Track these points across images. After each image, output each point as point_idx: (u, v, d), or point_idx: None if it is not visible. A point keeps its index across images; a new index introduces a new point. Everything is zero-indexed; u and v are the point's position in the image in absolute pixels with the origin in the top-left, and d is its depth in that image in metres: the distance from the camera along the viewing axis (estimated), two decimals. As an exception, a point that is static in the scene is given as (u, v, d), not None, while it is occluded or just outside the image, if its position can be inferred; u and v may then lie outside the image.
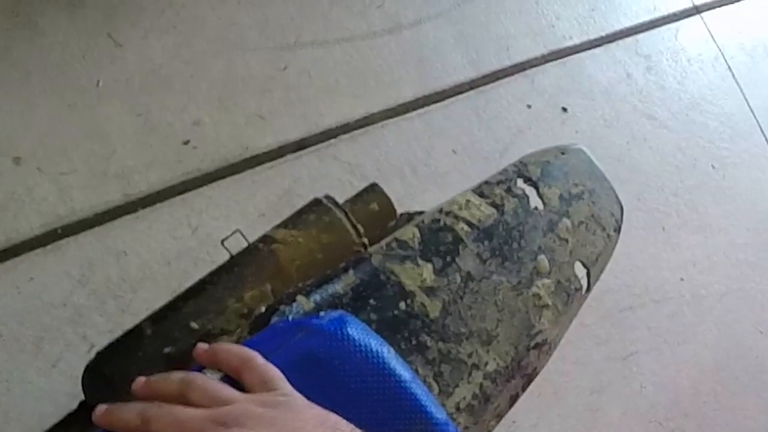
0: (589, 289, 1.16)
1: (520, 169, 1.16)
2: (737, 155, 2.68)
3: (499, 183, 1.13)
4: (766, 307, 2.49)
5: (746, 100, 2.81)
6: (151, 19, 2.17)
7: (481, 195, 1.10)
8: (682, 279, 2.41)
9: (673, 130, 2.62)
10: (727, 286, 2.46)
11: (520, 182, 1.15)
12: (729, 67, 2.86)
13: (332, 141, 2.17)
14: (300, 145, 2.14)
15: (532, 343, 1.04)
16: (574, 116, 2.49)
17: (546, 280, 1.07)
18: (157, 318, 0.95)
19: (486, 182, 1.13)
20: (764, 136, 2.76)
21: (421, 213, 1.18)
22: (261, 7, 2.28)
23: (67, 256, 1.88)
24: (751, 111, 2.79)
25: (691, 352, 2.33)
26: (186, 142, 2.05)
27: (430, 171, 2.23)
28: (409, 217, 1.21)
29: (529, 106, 2.45)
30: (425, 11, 2.45)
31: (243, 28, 2.23)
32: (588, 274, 1.15)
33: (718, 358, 2.36)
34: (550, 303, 1.06)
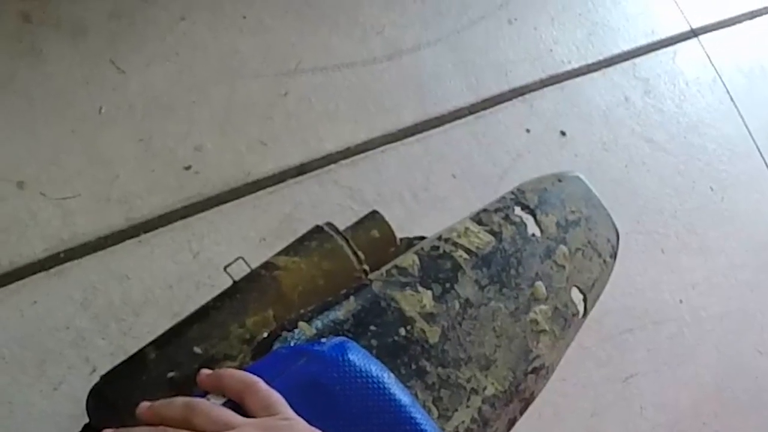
0: (585, 314, 1.17)
1: (518, 197, 1.18)
2: (736, 177, 2.70)
3: (497, 210, 1.14)
4: (766, 328, 2.50)
5: (744, 122, 2.82)
6: (153, 46, 2.19)
7: (480, 222, 1.12)
8: (681, 301, 2.42)
9: (672, 152, 2.63)
10: (726, 307, 2.47)
11: (517, 210, 1.16)
12: (727, 90, 2.87)
13: (333, 166, 2.19)
14: (301, 170, 2.15)
15: (530, 368, 1.05)
16: (573, 140, 2.51)
17: (543, 306, 1.09)
18: (161, 343, 0.96)
19: (484, 210, 1.14)
20: (762, 157, 2.78)
21: (421, 238, 1.19)
22: (262, 35, 2.30)
23: (70, 280, 1.89)
24: (750, 133, 2.80)
25: (691, 373, 2.34)
26: (188, 168, 2.07)
27: (429, 195, 2.24)
28: (410, 242, 1.22)
29: (528, 131, 2.46)
30: (424, 37, 2.47)
31: (244, 55, 2.25)
32: (585, 300, 1.17)
33: (718, 380, 2.36)
34: (547, 328, 1.08)
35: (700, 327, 2.41)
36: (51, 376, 1.79)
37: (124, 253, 1.95)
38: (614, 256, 1.25)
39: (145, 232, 1.98)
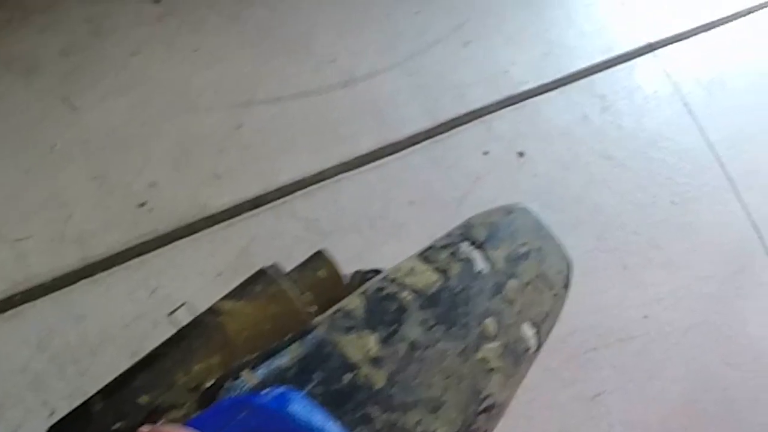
0: (538, 348, 1.16)
1: (466, 232, 1.17)
2: (697, 189, 2.70)
3: (444, 247, 1.13)
4: (733, 340, 2.49)
5: (704, 134, 2.83)
6: (107, 82, 2.18)
7: (426, 260, 1.10)
8: (646, 316, 2.41)
9: (632, 168, 2.63)
10: (692, 320, 2.46)
11: (465, 245, 1.15)
12: (685, 103, 2.88)
13: (288, 198, 2.18)
14: (256, 203, 2.14)
15: (481, 408, 1.03)
16: (532, 160, 2.51)
17: (493, 344, 1.07)
18: (107, 392, 0.95)
19: (431, 247, 1.13)
20: (723, 169, 2.78)
21: (376, 272, 1.18)
22: (216, 67, 2.29)
23: (25, 322, 1.88)
24: (709, 145, 2.81)
25: (659, 388, 2.33)
26: (142, 204, 2.05)
27: (388, 223, 2.23)
28: (363, 276, 1.21)
29: (486, 153, 2.46)
30: (379, 64, 2.47)
31: (198, 88, 2.24)
32: (537, 334, 1.15)
33: (687, 393, 2.36)
34: (497, 366, 1.06)
35: (666, 342, 2.40)
36: (9, 419, 1.77)
37: (80, 293, 1.93)
38: (567, 286, 1.24)
39: (101, 271, 1.97)
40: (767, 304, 2.57)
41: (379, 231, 2.21)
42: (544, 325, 1.17)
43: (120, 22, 2.27)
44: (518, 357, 1.10)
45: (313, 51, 2.42)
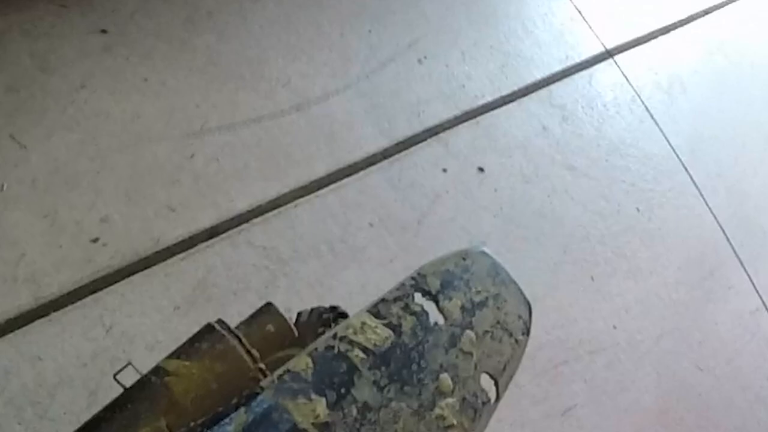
0: (498, 398, 1.13)
1: (418, 282, 1.13)
2: (662, 195, 2.70)
3: (396, 300, 1.10)
4: (704, 344, 2.49)
5: (667, 138, 2.83)
6: (53, 117, 2.14)
7: (377, 315, 1.07)
8: (615, 327, 2.40)
9: (594, 177, 2.62)
10: (662, 327, 2.46)
11: (418, 297, 1.12)
12: (646, 108, 2.88)
13: (245, 226, 2.15)
14: (212, 233, 2.11)
15: (440, 467, 1.01)
16: (492, 175, 2.49)
17: (450, 399, 1.05)
18: (54, 459, 0.93)
19: (383, 300, 1.10)
20: (688, 173, 2.78)
21: (333, 308, 1.16)
22: (165, 97, 2.26)
23: (-20, 366, 1.85)
24: (673, 149, 2.81)
25: (632, 399, 2.32)
26: (95, 240, 2.02)
27: (347, 247, 2.20)
28: (320, 315, 1.19)
29: (444, 170, 2.44)
30: (333, 85, 2.45)
31: (148, 118, 2.21)
32: (496, 384, 1.13)
33: (660, 402, 2.35)
34: (455, 422, 1.04)
35: (636, 351, 2.39)
36: (-32, 467, 1.74)
37: (35, 333, 1.90)
38: (527, 332, 1.21)
39: (55, 310, 1.93)
40: (737, 306, 2.58)
41: (339, 255, 2.19)
42: (504, 375, 1.14)
43: (66, 55, 2.23)
44: (477, 411, 1.08)
45: (264, 75, 2.39)
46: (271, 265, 2.10)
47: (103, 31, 2.31)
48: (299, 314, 1.22)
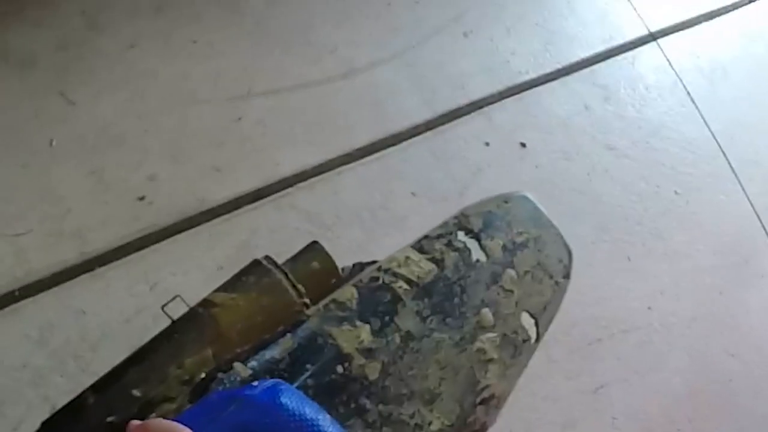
0: (539, 338, 1.14)
1: (461, 221, 1.15)
2: (700, 180, 2.69)
3: (439, 237, 1.11)
4: (736, 330, 2.48)
5: (707, 124, 2.81)
6: (102, 76, 2.17)
7: (421, 250, 1.09)
8: (649, 308, 2.40)
9: (634, 158, 2.62)
10: (695, 311, 2.45)
11: (461, 235, 1.13)
12: (688, 92, 2.87)
13: (289, 190, 2.17)
14: (256, 195, 2.13)
15: (479, 399, 1.02)
16: (533, 151, 2.49)
17: (490, 334, 1.06)
18: (100, 387, 0.94)
19: (426, 236, 1.12)
20: (726, 159, 2.77)
21: (374, 262, 1.17)
22: (213, 59, 2.28)
23: (25, 318, 1.87)
24: (713, 135, 2.80)
25: (662, 380, 2.32)
26: (141, 198, 2.05)
27: (389, 215, 2.22)
28: (362, 268, 1.20)
29: (487, 144, 2.44)
30: (378, 54, 2.46)
31: (195, 81, 2.23)
32: (536, 324, 1.14)
33: (690, 385, 2.35)
34: (495, 357, 1.05)
35: (669, 333, 2.39)
36: (10, 416, 1.76)
37: (80, 288, 1.93)
38: (567, 276, 1.22)
39: (100, 265, 1.96)
40: (770, 294, 2.56)
41: (381, 223, 2.20)
42: (544, 316, 1.15)
43: (116, 15, 2.26)
44: (517, 348, 1.09)
45: (312, 42, 2.41)
46: (314, 230, 2.12)
47: (153, -8, 2.33)
48: (342, 269, 1.23)
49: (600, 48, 2.81)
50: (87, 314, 1.90)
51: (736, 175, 2.74)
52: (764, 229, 2.68)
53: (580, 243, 2.36)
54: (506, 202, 1.23)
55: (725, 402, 2.36)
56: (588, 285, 2.35)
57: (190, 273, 1.99)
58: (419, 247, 1.10)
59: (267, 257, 1.09)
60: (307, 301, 1.05)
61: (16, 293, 1.89)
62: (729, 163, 2.76)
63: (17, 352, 1.83)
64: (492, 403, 1.05)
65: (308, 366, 0.93)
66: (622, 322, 2.35)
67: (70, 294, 1.91)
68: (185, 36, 2.29)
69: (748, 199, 2.71)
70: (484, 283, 1.10)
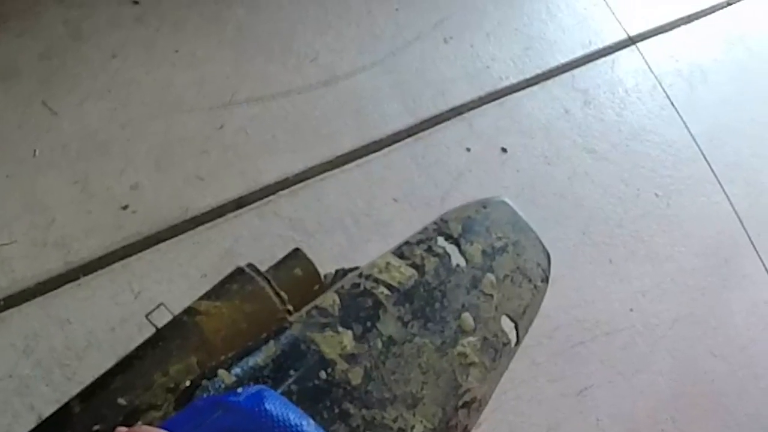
0: (518, 341, 1.15)
1: (441, 227, 1.17)
2: (681, 182, 2.71)
3: (419, 243, 1.13)
4: (719, 330, 2.50)
5: (687, 126, 2.84)
6: (86, 85, 2.17)
7: (401, 256, 1.10)
8: (632, 309, 2.42)
9: (615, 161, 2.64)
10: (677, 312, 2.47)
11: (441, 240, 1.15)
12: (667, 95, 2.89)
13: (272, 197, 2.18)
14: (239, 203, 2.14)
15: (460, 402, 1.04)
16: (514, 156, 2.51)
17: (471, 338, 1.07)
18: (86, 395, 0.95)
19: (407, 242, 1.13)
20: (707, 161, 2.79)
21: (356, 269, 1.18)
22: (196, 68, 2.29)
23: (11, 328, 1.87)
24: (693, 137, 2.82)
25: (646, 381, 2.34)
26: (125, 207, 2.05)
27: (372, 221, 2.23)
28: (344, 274, 1.21)
29: (468, 149, 2.46)
30: (360, 62, 2.47)
31: (178, 89, 2.24)
32: (516, 327, 1.15)
33: (674, 385, 2.36)
34: (476, 360, 1.06)
35: (652, 334, 2.41)
36: (-4, 424, 1.77)
37: (65, 297, 1.93)
38: (546, 279, 1.24)
39: (85, 274, 1.96)
40: (752, 294, 2.58)
41: (363, 229, 2.21)
42: (523, 319, 1.17)
43: (99, 24, 2.26)
44: (497, 351, 1.10)
45: (293, 50, 2.42)
46: (297, 236, 2.13)
47: (135, 2, 2.34)
48: (324, 276, 1.24)
49: (580, 52, 2.83)
50: (72, 323, 1.90)
51: (716, 176, 2.76)
52: (745, 230, 2.70)
53: (562, 246, 2.38)
54: (485, 207, 1.25)
55: (709, 402, 2.38)
56: (570, 288, 2.36)
57: (174, 281, 2.00)
58: (400, 253, 1.11)
59: (250, 265, 1.10)
60: (290, 307, 1.06)
61: (1, 303, 1.89)
62: (709, 165, 2.78)
63: (2, 362, 1.83)
64: (473, 406, 1.06)
65: (292, 372, 0.95)
66: (604, 324, 2.37)
67: (54, 303, 1.92)
68: (167, 45, 2.30)
69: (729, 200, 2.73)
70: (465, 288, 1.11)
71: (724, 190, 2.75)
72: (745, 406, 2.41)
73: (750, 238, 2.70)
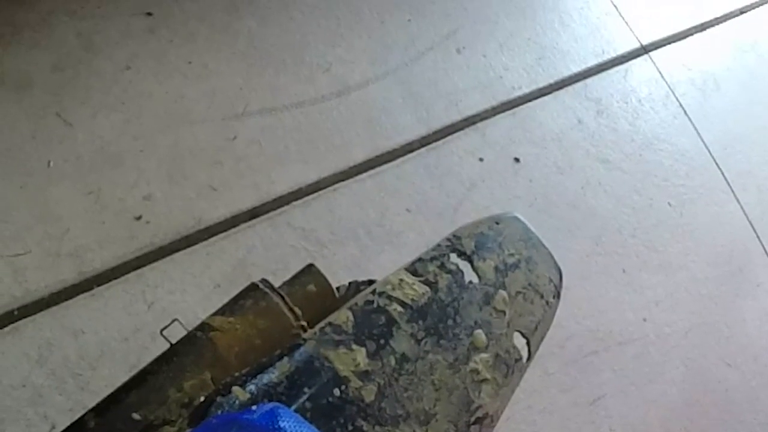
0: (530, 358, 1.15)
1: (454, 244, 1.16)
2: (694, 191, 2.70)
3: (432, 259, 1.13)
4: (732, 340, 2.50)
5: (699, 135, 2.83)
6: (99, 96, 2.18)
7: (415, 273, 1.10)
8: (645, 319, 2.41)
9: (628, 171, 2.64)
10: (690, 322, 2.47)
11: (453, 257, 1.14)
12: (680, 104, 2.89)
13: (285, 208, 2.18)
14: (252, 214, 2.14)
15: (473, 419, 1.03)
16: (527, 166, 2.51)
17: (484, 355, 1.07)
18: (100, 410, 0.95)
19: (419, 259, 1.13)
20: (720, 170, 2.79)
21: (371, 282, 1.18)
22: (208, 79, 2.29)
23: (24, 337, 1.88)
24: (705, 146, 2.81)
25: (659, 391, 2.33)
26: (138, 218, 2.06)
27: (384, 231, 2.23)
28: (357, 287, 1.21)
29: (481, 160, 2.46)
30: (372, 72, 2.48)
31: (190, 100, 2.24)
32: (528, 344, 1.15)
33: (687, 395, 2.36)
34: (489, 377, 1.06)
35: (665, 344, 2.40)
36: (10, 434, 1.78)
37: (78, 307, 1.94)
38: (558, 295, 1.23)
39: (98, 285, 1.97)
40: (765, 303, 2.58)
41: (376, 239, 2.21)
42: (535, 335, 1.17)
43: (111, 36, 2.27)
44: (509, 367, 1.10)
45: (305, 61, 2.43)
46: (310, 247, 2.13)
47: (148, 14, 2.34)
48: (337, 288, 1.24)
49: (592, 62, 2.83)
50: (85, 333, 1.91)
51: (729, 185, 2.76)
52: (758, 238, 2.69)
53: (575, 256, 2.38)
54: (498, 223, 1.24)
55: (722, 412, 2.37)
56: (583, 297, 2.36)
57: (188, 291, 2.00)
58: (413, 269, 1.11)
59: (264, 280, 1.10)
60: (303, 323, 1.06)
61: (15, 313, 1.89)
62: (722, 173, 2.78)
63: (16, 371, 1.84)
64: (485, 422, 1.06)
65: (306, 389, 0.94)
66: (617, 334, 2.36)
67: (68, 313, 1.92)
68: (180, 56, 2.30)
69: (742, 209, 2.72)
70: (477, 305, 1.11)
71: (737, 199, 2.74)
72: (758, 415, 2.40)
73: (763, 247, 2.69)
